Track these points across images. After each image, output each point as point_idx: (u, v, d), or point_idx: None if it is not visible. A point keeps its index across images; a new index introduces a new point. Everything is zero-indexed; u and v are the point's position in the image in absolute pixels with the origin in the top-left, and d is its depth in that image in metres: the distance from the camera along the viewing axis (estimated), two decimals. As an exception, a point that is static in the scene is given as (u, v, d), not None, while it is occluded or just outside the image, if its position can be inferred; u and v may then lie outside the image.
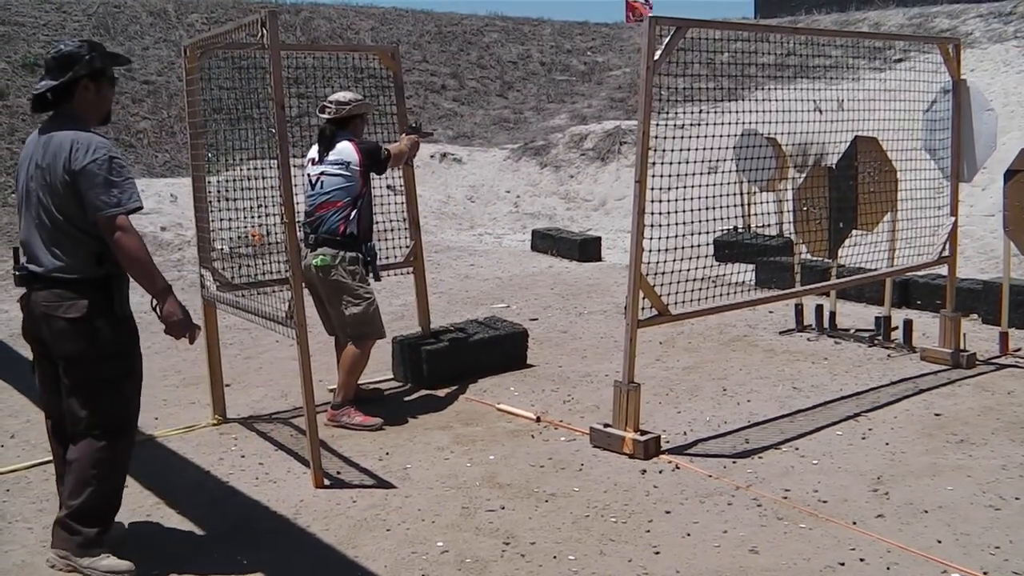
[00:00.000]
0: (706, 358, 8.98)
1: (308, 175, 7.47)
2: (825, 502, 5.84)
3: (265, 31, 5.94)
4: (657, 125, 6.94)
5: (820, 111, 8.66)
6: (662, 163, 7.08)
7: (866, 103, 8.53)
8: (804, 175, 9.30)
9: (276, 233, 9.80)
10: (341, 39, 25.36)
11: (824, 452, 6.64)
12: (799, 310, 9.92)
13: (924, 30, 22.28)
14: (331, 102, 7.50)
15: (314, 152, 7.50)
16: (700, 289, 7.38)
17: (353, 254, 7.29)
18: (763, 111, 8.29)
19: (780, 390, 8.02)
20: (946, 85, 8.78)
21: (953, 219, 8.78)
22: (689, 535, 5.43)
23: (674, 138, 7.48)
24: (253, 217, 7.95)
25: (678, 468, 6.39)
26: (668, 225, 7.06)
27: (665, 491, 6.04)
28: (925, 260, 8.83)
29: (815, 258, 10.02)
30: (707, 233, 7.90)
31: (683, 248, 7.49)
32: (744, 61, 15.20)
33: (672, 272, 7.20)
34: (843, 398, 7.79)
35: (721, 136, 8.32)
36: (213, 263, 7.46)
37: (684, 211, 7.19)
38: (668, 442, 6.84)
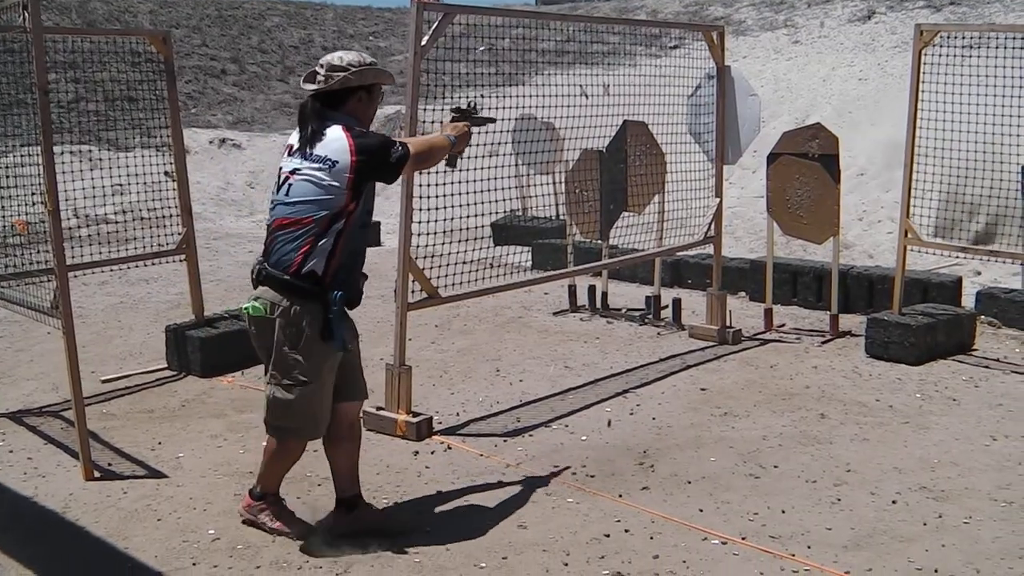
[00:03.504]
0: (481, 340, 9.07)
1: (279, 169, 5.19)
2: (593, 476, 5.99)
3: (27, 14, 5.76)
4: (436, 110, 6.97)
5: (586, 96, 8.82)
6: (441, 147, 7.12)
7: (641, 88, 8.73)
8: (576, 159, 9.47)
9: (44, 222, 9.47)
10: (119, 22, 24.71)
11: (593, 428, 6.79)
12: (572, 291, 10.09)
13: (700, 18, 22.90)
14: (322, 64, 5.14)
15: (294, 137, 5.15)
16: (475, 271, 7.45)
17: (306, 306, 4.92)
18: (541, 96, 8.44)
19: (552, 369, 8.16)
20: (711, 71, 9.06)
21: (718, 200, 9.07)
22: (460, 513, 5.51)
23: (455, 122, 7.53)
24: (23, 206, 7.63)
25: (450, 448, 6.46)
26: (446, 208, 7.10)
27: (437, 471, 6.09)
28: (692, 240, 9.10)
29: (588, 240, 10.21)
30: (485, 215, 7.97)
31: (460, 231, 7.55)
32: (524, 47, 15.39)
33: (447, 255, 7.25)
34: (613, 375, 7.98)
35: (500, 120, 8.40)
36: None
37: (463, 194, 7.25)
38: (441, 423, 6.90)
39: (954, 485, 5.97)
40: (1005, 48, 8.61)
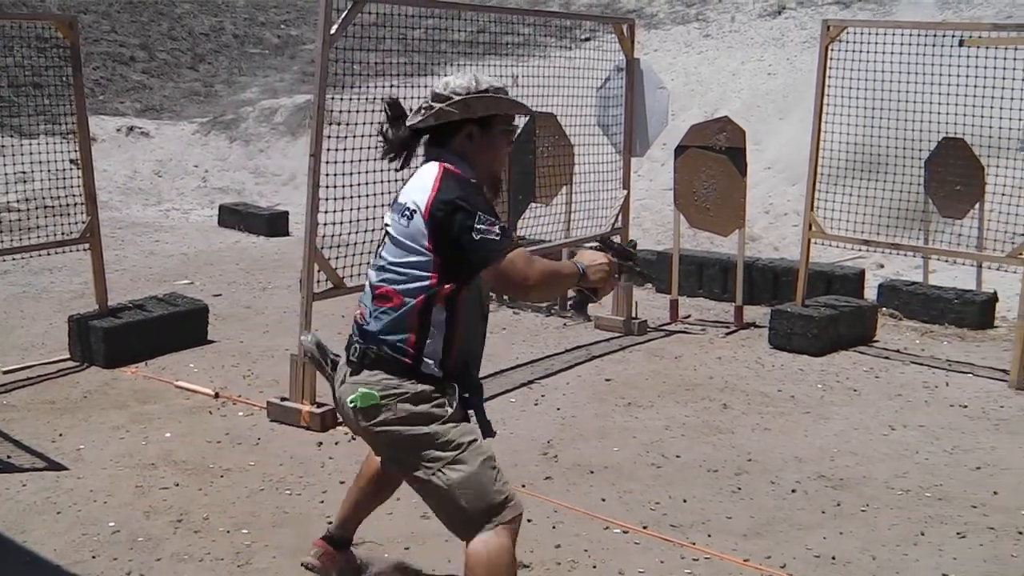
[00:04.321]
0: (388, 329, 9.02)
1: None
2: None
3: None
4: (346, 100, 6.96)
5: (515, 80, 8.83)
6: (353, 136, 7.09)
7: (553, 79, 8.77)
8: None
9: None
10: (26, 6, 24.24)
11: (498, 419, 6.71)
12: (480, 282, 10.08)
13: (612, 11, 22.97)
14: (430, 92, 4.03)
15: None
16: (381, 263, 7.42)
17: (426, 388, 3.83)
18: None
19: (460, 361, 8.15)
20: (620, 63, 9.11)
21: (625, 192, 9.13)
22: (364, 504, 5.49)
23: (367, 111, 7.51)
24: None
25: (354, 439, 6.43)
26: (359, 197, 7.08)
27: (341, 462, 6.08)
28: (599, 232, 9.15)
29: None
30: (396, 204, 7.93)
31: (371, 220, 7.52)
32: (436, 38, 15.35)
33: (356, 244, 7.22)
34: (518, 366, 8.01)
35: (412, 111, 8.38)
36: None
37: (374, 183, 7.23)
38: (345, 413, 6.87)
39: (852, 474, 6.09)
40: (911, 45, 8.75)
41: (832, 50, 8.61)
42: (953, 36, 8.24)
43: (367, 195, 7.10)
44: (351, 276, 7.04)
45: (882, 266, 11.86)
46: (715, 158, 9.07)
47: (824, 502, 5.65)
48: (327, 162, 6.71)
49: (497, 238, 3.67)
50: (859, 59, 8.71)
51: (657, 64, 14.47)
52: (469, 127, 3.91)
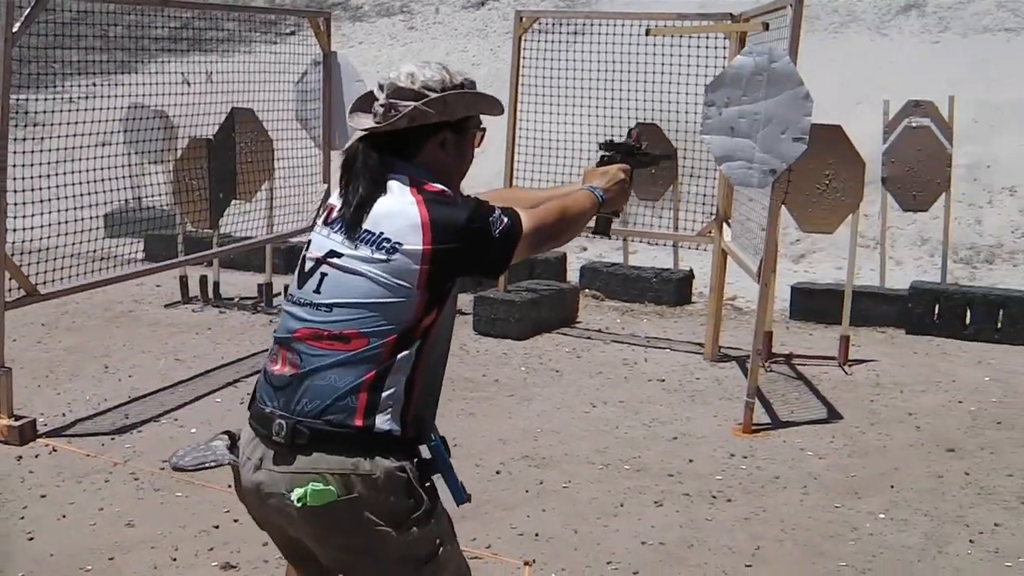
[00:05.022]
0: (90, 336, 8.76)
1: (306, 245, 3.14)
2: (202, 469, 5.95)
3: None
4: (46, 100, 6.74)
5: (188, 84, 8.71)
6: (51, 137, 6.88)
7: (255, 74, 8.70)
8: (184, 147, 9.32)
9: None
10: None
11: (203, 420, 6.71)
12: (184, 282, 9.92)
13: (316, 3, 22.83)
14: (382, 85, 3.14)
15: (335, 197, 3.14)
16: (82, 265, 7.23)
17: (396, 464, 2.88)
18: (155, 84, 8.31)
19: (163, 363, 8.00)
20: (317, 57, 9.10)
21: (326, 186, 9.13)
22: (65, 516, 5.34)
23: (68, 111, 7.32)
24: None
25: (55, 451, 6.23)
26: (59, 199, 6.87)
27: (41, 475, 5.87)
28: (302, 227, 9.14)
29: (198, 229, 10.06)
30: (97, 206, 7.71)
31: (72, 222, 7.30)
32: (138, 35, 14.97)
33: (54, 249, 7.01)
34: (224, 365, 7.92)
35: (112, 109, 8.22)
36: None
37: (73, 184, 7.02)
38: (46, 425, 6.63)
39: (555, 452, 6.27)
40: (610, 36, 9.03)
41: (526, 40, 8.81)
42: (640, 25, 8.53)
43: (67, 196, 6.90)
44: (49, 282, 6.83)
45: (585, 249, 12.20)
46: (416, 149, 9.15)
47: (528, 481, 5.80)
48: (22, 165, 6.46)
49: (509, 221, 3.00)
50: (553, 48, 8.95)
51: (362, 57, 14.54)
52: (443, 132, 3.10)
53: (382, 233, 2.91)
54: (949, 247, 9.88)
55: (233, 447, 3.12)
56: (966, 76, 13.06)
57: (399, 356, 2.90)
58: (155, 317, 9.42)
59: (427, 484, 2.94)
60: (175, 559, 4.90)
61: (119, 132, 9.16)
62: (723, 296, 8.54)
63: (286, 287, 3.18)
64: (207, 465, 2.88)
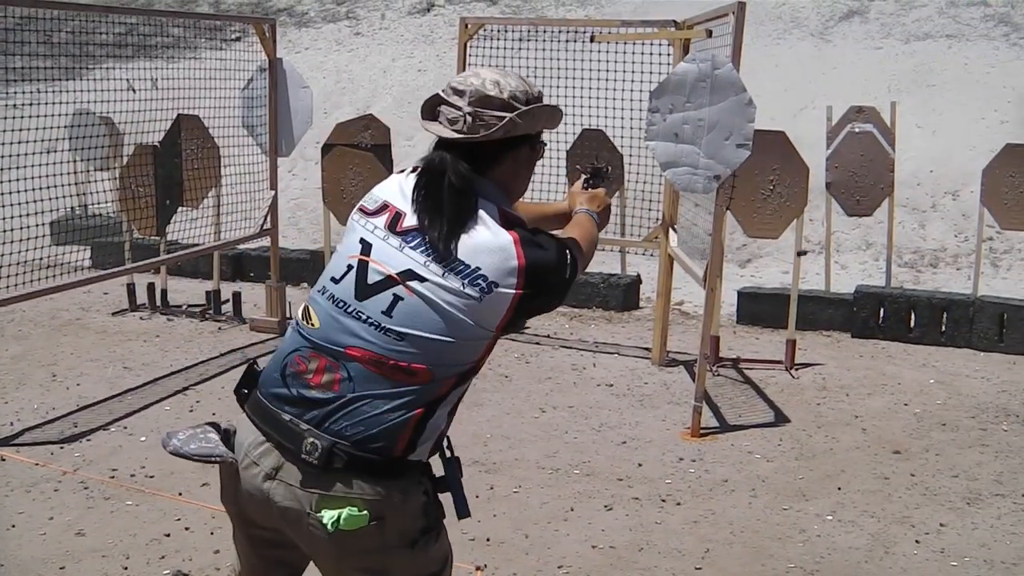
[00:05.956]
0: (36, 345, 8.69)
1: (358, 243, 2.83)
2: (152, 477, 5.92)
3: None
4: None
5: (134, 90, 8.67)
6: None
7: (201, 80, 8.68)
8: (130, 154, 9.29)
9: None
10: None
11: (152, 428, 6.69)
12: (131, 289, 9.87)
13: (263, 9, 22.76)
14: (460, 90, 2.85)
15: (398, 197, 2.87)
16: (28, 273, 7.19)
17: (419, 485, 2.83)
18: (100, 90, 8.27)
19: (111, 371, 7.95)
20: (263, 64, 9.09)
21: (273, 193, 9.13)
22: (14, 526, 5.31)
23: (12, 118, 7.28)
24: None
25: (3, 460, 6.19)
26: (4, 207, 6.85)
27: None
28: (249, 234, 9.13)
29: (145, 236, 10.02)
30: (43, 213, 7.67)
31: (16, 230, 7.25)
32: (82, 40, 14.89)
33: None
34: (173, 373, 7.88)
35: (56, 115, 8.18)
36: None
37: (18, 192, 6.98)
38: (-6, 435, 6.63)
39: (505, 457, 6.31)
40: (556, 42, 9.08)
41: (471, 47, 8.84)
42: (585, 32, 8.59)
43: (11, 204, 6.88)
44: (-6, 292, 6.81)
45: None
46: (361, 155, 9.18)
47: (478, 486, 5.82)
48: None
49: (572, 260, 2.87)
50: (499, 54, 8.99)
51: (308, 63, 14.52)
52: (524, 146, 2.97)
53: (479, 269, 2.70)
54: (893, 251, 10.04)
55: (226, 442, 2.92)
56: (908, 82, 13.28)
57: (454, 391, 2.83)
58: (103, 325, 9.36)
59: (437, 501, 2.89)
60: (126, 568, 4.90)
61: (64, 139, 9.13)
62: (670, 301, 8.60)
63: (325, 282, 2.87)
64: (213, 460, 2.68)
